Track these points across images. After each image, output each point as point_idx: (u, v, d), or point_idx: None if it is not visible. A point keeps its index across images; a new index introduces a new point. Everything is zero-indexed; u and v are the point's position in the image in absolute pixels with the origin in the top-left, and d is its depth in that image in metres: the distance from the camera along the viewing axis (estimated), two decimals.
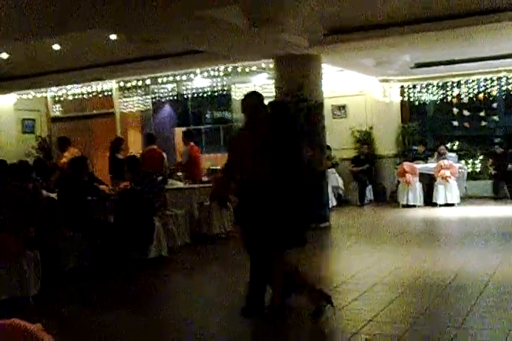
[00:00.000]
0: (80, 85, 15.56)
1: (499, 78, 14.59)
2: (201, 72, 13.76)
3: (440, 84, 15.15)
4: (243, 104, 5.27)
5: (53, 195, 7.94)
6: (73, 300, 6.33)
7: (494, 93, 14.79)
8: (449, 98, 15.16)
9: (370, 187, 14.88)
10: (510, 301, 5.39)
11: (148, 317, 5.43)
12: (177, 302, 6.08)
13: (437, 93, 15.28)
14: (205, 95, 15.48)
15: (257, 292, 5.14)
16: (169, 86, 15.58)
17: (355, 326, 4.78)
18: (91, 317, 5.51)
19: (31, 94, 16.14)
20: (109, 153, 11.98)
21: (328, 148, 13.93)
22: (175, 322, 5.23)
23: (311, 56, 10.78)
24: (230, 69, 13.31)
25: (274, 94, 11.15)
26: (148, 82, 14.71)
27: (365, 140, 15.05)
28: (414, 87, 15.42)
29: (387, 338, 4.48)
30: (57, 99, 16.96)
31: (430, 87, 15.31)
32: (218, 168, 12.01)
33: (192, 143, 11.62)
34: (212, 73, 13.83)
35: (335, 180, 14.38)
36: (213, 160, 13.79)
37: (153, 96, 16.05)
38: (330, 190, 12.84)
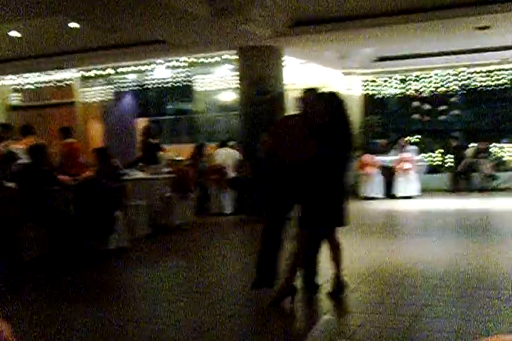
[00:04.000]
0: (40, 74, 15.29)
1: (459, 73, 14.82)
2: (163, 63, 13.66)
3: (401, 78, 15.32)
4: (303, 98, 5.41)
5: (12, 185, 7.79)
6: (32, 290, 6.24)
7: (454, 88, 15.03)
8: (410, 92, 15.35)
9: None
10: (465, 291, 5.49)
11: (108, 309, 5.38)
12: (137, 294, 6.04)
13: (399, 87, 15.46)
14: (167, 86, 15.37)
15: (271, 266, 5.28)
16: (131, 76, 15.42)
17: (315, 316, 4.83)
18: (49, 308, 5.45)
19: None
20: (142, 138, 11.75)
21: None
22: (133, 314, 5.19)
23: (274, 48, 10.79)
24: (192, 60, 13.24)
25: (236, 85, 11.14)
26: (110, 71, 14.54)
27: None
28: (376, 80, 15.57)
29: (344, 327, 4.52)
30: (16, 87, 16.65)
31: (392, 80, 15.47)
32: (181, 158, 11.98)
33: (70, 140, 10.42)
34: (174, 64, 13.73)
35: None
36: (175, 152, 13.69)
37: (114, 86, 15.87)
38: None
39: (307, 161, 5.08)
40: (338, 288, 5.36)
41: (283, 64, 11.22)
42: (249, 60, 10.86)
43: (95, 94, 16.02)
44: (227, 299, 5.43)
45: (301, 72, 14.70)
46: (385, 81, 15.52)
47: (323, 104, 5.24)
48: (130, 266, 7.54)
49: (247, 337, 4.45)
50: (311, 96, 5.43)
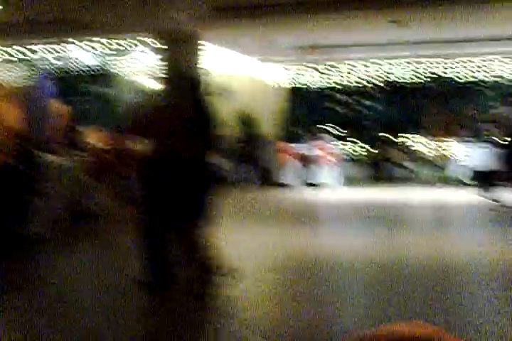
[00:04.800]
0: None
1: (380, 66, 15.08)
2: (80, 46, 13.25)
3: (324, 68, 15.46)
4: (167, 78, 5.15)
5: None
6: None
7: (377, 81, 15.28)
8: (332, 83, 15.53)
9: (252, 168, 15.00)
10: (373, 280, 5.58)
11: (25, 297, 5.17)
12: (53, 282, 5.83)
13: (321, 77, 15.59)
14: (86, 69, 14.96)
15: (163, 267, 5.02)
16: (49, 59, 14.91)
17: (229, 312, 4.79)
18: None
19: None
20: (60, 123, 11.26)
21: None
22: (50, 302, 5.00)
23: (194, 33, 10.62)
24: (109, 44, 12.90)
25: (155, 70, 10.94)
26: (26, 53, 14.01)
27: (249, 122, 15.14)
28: (299, 70, 15.65)
29: (250, 319, 4.49)
30: None
31: (315, 71, 15.59)
32: (99, 144, 11.68)
33: None
34: (91, 46, 13.35)
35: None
36: (94, 137, 13.32)
37: (30, 69, 15.30)
38: None
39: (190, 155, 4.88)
40: (198, 288, 4.91)
41: (202, 50, 11.07)
42: (168, 44, 10.67)
43: (9, 76, 15.41)
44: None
45: (221, 60, 14.61)
46: (310, 72, 15.63)
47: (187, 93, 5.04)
48: (45, 252, 7.28)
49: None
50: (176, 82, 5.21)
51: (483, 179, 13.29)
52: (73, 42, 13.05)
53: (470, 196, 11.64)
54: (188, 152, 4.89)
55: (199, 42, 10.90)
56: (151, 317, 4.70)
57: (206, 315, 4.63)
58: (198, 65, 10.92)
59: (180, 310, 4.72)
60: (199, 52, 10.97)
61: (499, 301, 4.87)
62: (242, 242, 7.44)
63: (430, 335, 0.66)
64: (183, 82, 5.37)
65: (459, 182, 12.73)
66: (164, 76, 9.24)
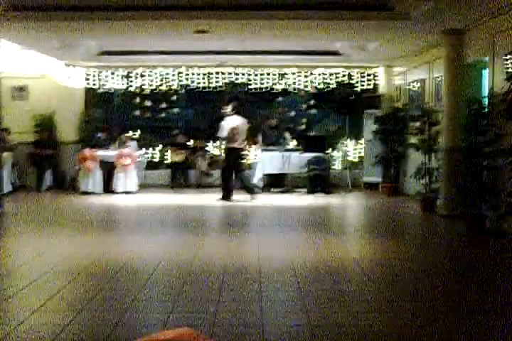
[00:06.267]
0: None
1: (180, 72, 15.35)
2: None
3: (126, 73, 15.39)
4: None
5: None
6: None
7: (175, 86, 15.51)
8: (133, 88, 15.50)
9: (49, 172, 14.48)
10: (174, 285, 5.71)
11: None
12: None
13: (122, 82, 15.49)
14: None
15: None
16: None
17: (21, 316, 4.63)
18: None
19: None
20: None
21: (6, 130, 13.32)
22: None
23: None
24: None
25: None
26: None
27: (46, 124, 14.61)
28: (100, 73, 15.42)
29: (53, 327, 4.40)
30: None
31: (116, 75, 15.45)
32: None
33: None
34: None
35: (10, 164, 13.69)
36: None
37: None
38: (5, 174, 12.21)
39: None
40: None
41: None
42: None
43: None
44: None
45: (20, 60, 13.98)
46: (110, 75, 15.45)
47: None
48: None
49: None
50: None
51: (276, 182, 14.17)
52: None
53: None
54: None
55: None
56: None
57: None
58: None
59: None
60: None
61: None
62: (51, 251, 7.23)
63: (183, 338, 0.78)
64: None
65: (257, 187, 13.34)
66: None
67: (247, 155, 13.87)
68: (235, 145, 12.24)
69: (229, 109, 12.49)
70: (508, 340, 4.27)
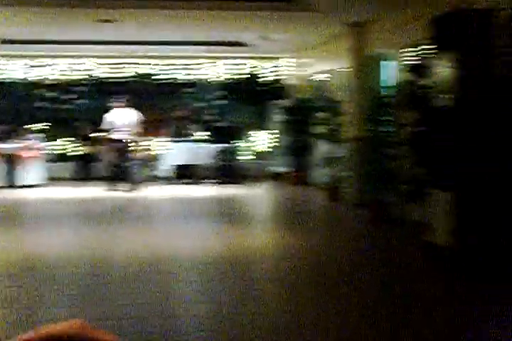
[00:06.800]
0: None
1: (84, 63, 15.01)
2: None
3: (28, 63, 14.88)
4: None
5: None
6: None
7: (80, 77, 15.14)
8: (36, 78, 15.02)
9: None
10: (80, 278, 5.62)
11: None
12: None
13: (24, 72, 14.98)
14: None
15: None
16: None
17: None
18: None
19: None
20: None
21: None
22: None
23: None
24: None
25: None
26: None
27: None
28: (4, 65, 14.84)
29: None
30: None
31: (18, 65, 14.92)
32: None
33: None
34: None
35: None
36: None
37: None
38: None
39: None
40: None
41: None
42: None
43: None
44: None
45: None
46: (12, 65, 14.89)
47: None
48: None
49: None
50: None
51: (184, 173, 14.14)
52: None
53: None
54: None
55: None
56: None
57: None
58: None
59: None
60: None
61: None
62: None
63: (75, 331, 0.79)
64: None
65: (166, 179, 13.24)
66: None
67: (135, 146, 13.63)
68: (115, 136, 12.68)
69: (120, 101, 12.81)
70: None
